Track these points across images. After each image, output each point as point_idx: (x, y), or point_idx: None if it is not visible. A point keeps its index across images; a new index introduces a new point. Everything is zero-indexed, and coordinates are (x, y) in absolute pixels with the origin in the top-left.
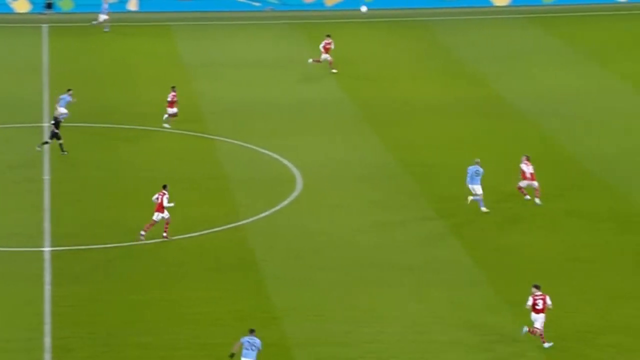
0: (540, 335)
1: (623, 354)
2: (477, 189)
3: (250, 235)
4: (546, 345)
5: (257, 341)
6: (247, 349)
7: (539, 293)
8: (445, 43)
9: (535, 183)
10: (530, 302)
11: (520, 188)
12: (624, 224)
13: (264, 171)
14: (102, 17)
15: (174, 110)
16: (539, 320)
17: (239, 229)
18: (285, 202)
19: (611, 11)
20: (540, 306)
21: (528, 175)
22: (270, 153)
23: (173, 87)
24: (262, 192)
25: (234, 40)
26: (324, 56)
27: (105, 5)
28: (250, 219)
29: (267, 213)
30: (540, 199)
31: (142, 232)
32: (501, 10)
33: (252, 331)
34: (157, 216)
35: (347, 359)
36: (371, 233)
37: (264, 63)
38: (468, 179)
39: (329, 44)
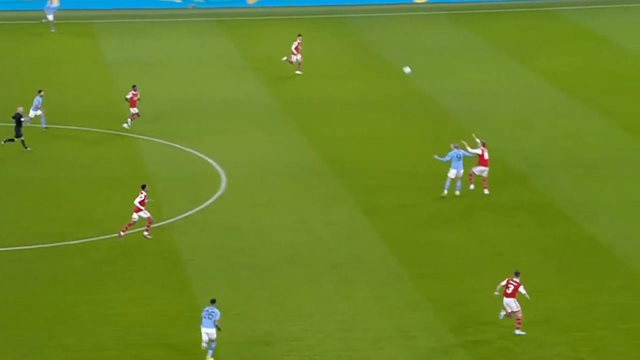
0: (516, 317)
1: (543, 348)
2: (460, 172)
3: (175, 235)
4: (517, 331)
5: (216, 312)
6: (205, 318)
7: (516, 280)
8: (367, 40)
9: (487, 171)
10: (503, 282)
11: (471, 174)
12: (545, 218)
13: (188, 170)
14: (50, 16)
15: (136, 110)
16: (510, 305)
17: (163, 229)
18: (210, 201)
19: (529, 8)
20: (510, 290)
21: (485, 160)
22: (194, 151)
23: (134, 86)
24: (187, 190)
25: (157, 38)
26: (295, 57)
27: (51, 5)
28: (175, 218)
29: (191, 212)
30: (488, 189)
31: (121, 233)
32: (421, 7)
33: (212, 302)
34: (136, 216)
35: (272, 358)
36: (296, 231)
37: (187, 61)
38: (452, 162)
39: (300, 43)
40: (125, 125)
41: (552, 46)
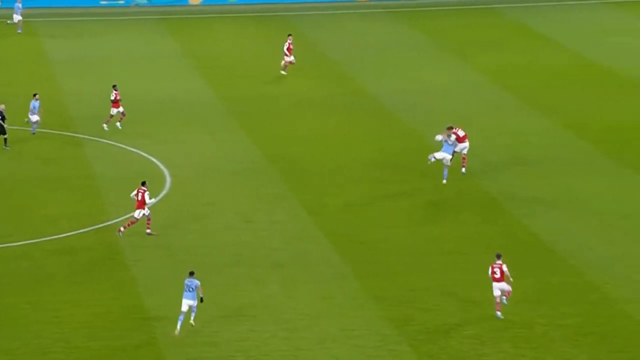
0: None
1: (486, 345)
2: (448, 156)
3: (120, 235)
4: (504, 300)
5: (196, 282)
6: (187, 291)
7: (499, 262)
8: (311, 38)
9: (467, 149)
10: (489, 271)
11: (464, 158)
12: (488, 216)
13: (132, 169)
14: (17, 17)
15: (121, 109)
16: (502, 288)
17: (108, 229)
18: (155, 200)
19: (471, 6)
20: (498, 275)
21: (462, 137)
22: (138, 151)
23: (114, 86)
24: (131, 190)
25: (100, 36)
26: (289, 59)
27: (19, 5)
28: (120, 218)
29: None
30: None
31: (122, 228)
32: (365, 5)
33: (191, 273)
34: (138, 213)
35: (218, 358)
36: (240, 230)
37: (130, 60)
38: (443, 146)
39: (291, 44)
40: (104, 125)
41: (494, 44)
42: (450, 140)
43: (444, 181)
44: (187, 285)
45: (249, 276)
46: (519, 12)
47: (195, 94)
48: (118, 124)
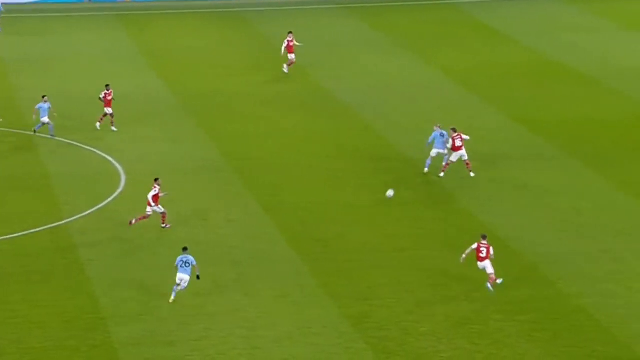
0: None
1: (443, 342)
2: (442, 152)
3: (74, 234)
4: (499, 280)
5: (191, 258)
6: (182, 267)
7: (485, 242)
8: (265, 34)
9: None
10: (474, 246)
11: (447, 164)
12: (444, 212)
13: (86, 168)
14: None
15: (110, 110)
16: (487, 267)
17: (62, 228)
18: (110, 199)
19: (427, 1)
20: (484, 254)
21: (457, 146)
22: (93, 149)
23: (107, 85)
24: (86, 189)
25: (53, 33)
26: (291, 57)
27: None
28: (74, 217)
29: (91, 210)
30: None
31: (132, 220)
32: (320, 1)
33: (185, 249)
34: (149, 210)
35: (174, 358)
36: (197, 228)
37: (85, 56)
38: (435, 142)
39: (291, 41)
40: (97, 125)
41: (449, 40)
42: (439, 130)
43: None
44: (182, 260)
45: (205, 275)
46: (474, 7)
47: (151, 91)
48: (98, 124)
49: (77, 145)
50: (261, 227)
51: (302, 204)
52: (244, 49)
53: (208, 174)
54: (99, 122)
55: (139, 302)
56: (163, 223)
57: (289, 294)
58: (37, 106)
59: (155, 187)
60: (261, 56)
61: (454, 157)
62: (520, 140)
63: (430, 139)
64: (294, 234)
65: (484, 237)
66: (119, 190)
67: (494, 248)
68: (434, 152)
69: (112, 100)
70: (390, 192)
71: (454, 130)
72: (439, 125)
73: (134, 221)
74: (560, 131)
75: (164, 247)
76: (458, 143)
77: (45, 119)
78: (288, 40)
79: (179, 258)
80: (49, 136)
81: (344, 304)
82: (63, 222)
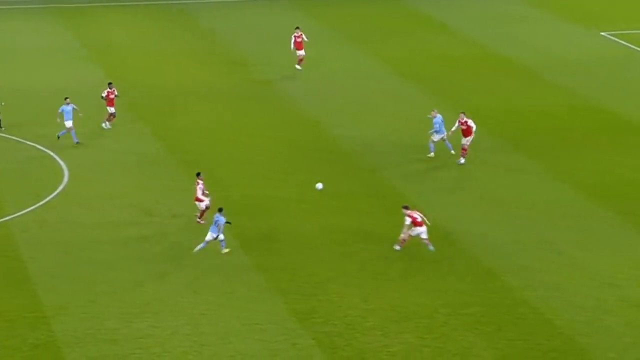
0: (427, 241)
1: (389, 336)
2: (444, 135)
3: (16, 232)
4: (431, 247)
5: (222, 219)
6: (213, 225)
7: (409, 211)
8: (207, 27)
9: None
10: (408, 220)
11: (464, 147)
12: (387, 205)
13: (28, 164)
14: None
15: (112, 109)
16: (422, 232)
17: (3, 225)
18: (53, 195)
19: None
20: (419, 219)
21: (473, 130)
22: (34, 144)
23: (110, 84)
24: (28, 186)
25: None
26: (300, 53)
27: None
28: (16, 214)
29: (33, 207)
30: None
31: (198, 220)
32: None
33: (220, 210)
34: (201, 204)
35: (118, 356)
36: (141, 225)
37: (25, 50)
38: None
39: (299, 36)
40: (103, 125)
41: (392, 32)
42: (433, 117)
43: (452, 151)
44: (215, 220)
45: (150, 271)
46: (418, 0)
47: (91, 85)
48: (106, 124)
49: (18, 141)
50: (206, 222)
51: (246, 199)
52: (184, 42)
53: (152, 168)
54: (108, 121)
55: (82, 299)
56: (200, 218)
57: (235, 289)
58: (59, 109)
59: (198, 182)
60: (202, 49)
61: (437, 137)
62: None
63: (435, 126)
64: (240, 229)
65: (406, 208)
66: (61, 187)
67: (438, 241)
68: (436, 137)
69: (116, 98)
70: (319, 185)
71: (464, 115)
72: (435, 110)
73: (199, 220)
74: (502, 123)
75: (106, 244)
76: (465, 126)
77: (69, 123)
78: (295, 36)
79: (214, 217)
80: (74, 142)
81: (290, 300)
82: (4, 219)
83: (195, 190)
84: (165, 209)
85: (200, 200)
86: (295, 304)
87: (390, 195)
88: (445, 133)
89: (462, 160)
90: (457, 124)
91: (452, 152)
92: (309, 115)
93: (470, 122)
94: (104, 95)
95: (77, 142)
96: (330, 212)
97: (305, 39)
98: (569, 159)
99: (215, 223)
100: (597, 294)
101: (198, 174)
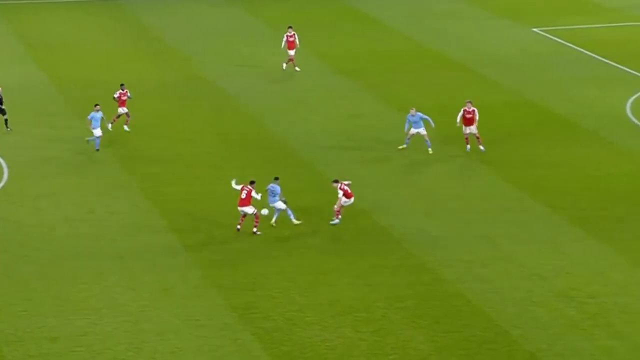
0: (338, 212)
1: (328, 330)
2: (421, 130)
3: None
4: (336, 221)
5: (278, 188)
6: (270, 196)
7: (337, 184)
8: (148, 23)
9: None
10: (341, 193)
11: (466, 137)
12: (324, 199)
13: None
14: None
15: (124, 109)
16: (348, 202)
17: None
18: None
19: None
20: (349, 191)
21: (468, 119)
22: None
23: (122, 85)
24: None
25: None
26: (290, 53)
27: None
28: None
29: None
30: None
31: (255, 231)
32: None
33: (276, 179)
34: (251, 209)
35: (58, 354)
36: (80, 222)
37: None
38: (411, 124)
39: (292, 36)
40: (125, 127)
41: (327, 28)
42: (413, 114)
43: (430, 150)
44: (270, 191)
45: (88, 269)
46: None
47: (30, 81)
48: (125, 126)
49: None
50: (145, 219)
51: (186, 195)
52: (124, 39)
53: (91, 165)
54: (112, 122)
55: (20, 297)
56: (254, 225)
57: (173, 286)
58: (88, 116)
59: (249, 189)
60: (141, 46)
61: (466, 130)
62: (399, 127)
63: (407, 124)
64: (178, 225)
65: (337, 181)
66: (1, 184)
67: (374, 235)
68: (412, 131)
69: (128, 100)
70: (264, 211)
71: (470, 104)
72: (414, 109)
73: (255, 230)
74: (436, 118)
75: (45, 242)
76: (469, 116)
77: (98, 131)
78: (287, 35)
79: (268, 187)
80: (95, 149)
81: (230, 295)
82: None
83: (243, 196)
84: (103, 206)
85: (247, 204)
86: (234, 300)
87: (329, 191)
88: (424, 128)
89: (482, 148)
90: (461, 113)
91: (430, 150)
92: (248, 111)
93: (476, 112)
94: (116, 96)
95: (98, 150)
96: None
97: (297, 42)
98: (502, 153)
99: (272, 192)
100: (527, 285)
101: (252, 182)
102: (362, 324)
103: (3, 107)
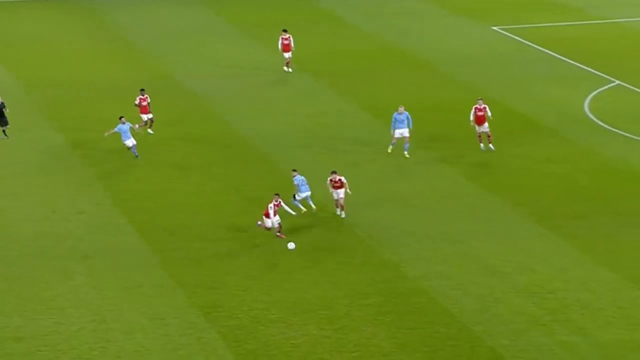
0: (342, 206)
1: (292, 328)
2: (405, 132)
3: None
4: (343, 215)
5: (302, 178)
6: (302, 185)
7: (335, 175)
8: (113, 22)
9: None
10: (328, 182)
11: (479, 135)
12: (286, 198)
13: None
14: None
15: (149, 116)
16: (340, 193)
17: None
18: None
19: None
20: (338, 183)
21: (479, 117)
22: None
23: (142, 90)
24: None
25: None
26: (286, 55)
27: None
28: None
29: None
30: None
31: (279, 234)
32: None
33: (295, 170)
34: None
35: (22, 354)
36: (45, 221)
37: None
38: (396, 124)
39: (287, 39)
40: (149, 131)
41: (291, 27)
42: (400, 112)
43: (406, 153)
44: (302, 181)
45: (53, 268)
46: None
47: None
48: (150, 130)
49: None
50: (110, 217)
51: (150, 193)
52: (90, 37)
53: (55, 164)
54: (143, 127)
55: None
56: (279, 232)
57: (139, 285)
58: (115, 129)
59: (277, 200)
60: (108, 44)
61: (478, 129)
62: (365, 126)
63: (393, 123)
64: (143, 224)
65: (335, 172)
66: None
67: (336, 233)
68: (397, 133)
69: (149, 105)
70: (291, 245)
71: (482, 101)
72: (402, 107)
73: (280, 235)
74: None
75: (8, 242)
76: (480, 114)
77: (130, 142)
78: (283, 38)
79: (298, 179)
80: (135, 156)
81: (194, 294)
82: None
83: (270, 207)
84: (68, 205)
85: (268, 217)
86: (199, 298)
87: (288, 188)
88: (408, 130)
89: (492, 147)
90: (473, 111)
91: (407, 155)
92: (212, 109)
93: (488, 110)
94: (137, 102)
95: (137, 157)
96: (231, 206)
97: (292, 44)
98: (464, 150)
99: (303, 182)
100: (489, 282)
101: (277, 195)
102: (326, 321)
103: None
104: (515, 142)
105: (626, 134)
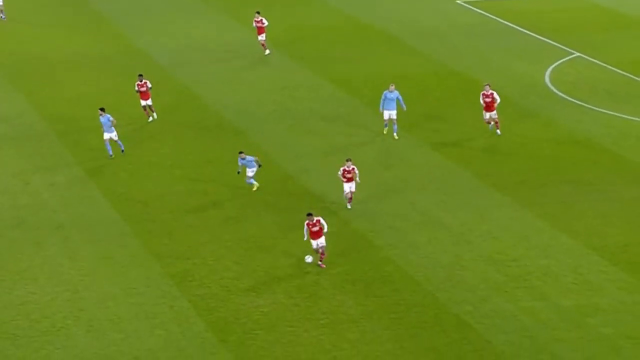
0: (350, 199)
1: (261, 296)
2: (393, 114)
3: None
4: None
5: (251, 158)
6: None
7: (349, 164)
8: None
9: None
10: (340, 172)
11: (489, 122)
12: (262, 171)
13: None
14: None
15: (148, 102)
16: (352, 187)
17: None
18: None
19: None
20: (350, 175)
21: (488, 104)
22: None
23: (140, 75)
24: None
25: None
26: (260, 37)
27: None
28: None
29: None
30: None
31: (320, 264)
32: None
33: (241, 152)
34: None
35: None
36: (19, 194)
37: None
38: (385, 104)
39: (259, 21)
40: (150, 118)
41: (263, 3)
42: (391, 90)
43: (395, 135)
44: (247, 160)
45: (28, 239)
46: None
47: None
48: (152, 117)
49: None
50: (83, 190)
51: (122, 166)
52: (64, 12)
53: (30, 138)
54: (150, 114)
55: None
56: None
57: (112, 255)
58: (102, 120)
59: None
60: (82, 19)
61: (486, 115)
62: (333, 99)
63: (381, 103)
64: (116, 195)
65: (349, 160)
66: None
67: (305, 207)
68: (385, 114)
69: (150, 90)
70: (308, 258)
71: (489, 87)
72: (393, 85)
73: (321, 265)
74: (367, 89)
75: None
76: (487, 99)
77: (113, 135)
78: (255, 21)
79: (247, 160)
80: (121, 152)
81: (166, 263)
82: None
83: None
84: (43, 177)
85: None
86: (171, 268)
87: (263, 161)
88: (396, 111)
89: (499, 132)
90: (481, 97)
91: (396, 136)
92: (183, 83)
93: (496, 95)
94: (136, 88)
95: (123, 152)
96: (203, 178)
97: (265, 22)
98: (430, 122)
99: (249, 161)
100: (455, 250)
101: (309, 214)
102: (296, 290)
103: None
104: (479, 114)
105: (585, 105)
